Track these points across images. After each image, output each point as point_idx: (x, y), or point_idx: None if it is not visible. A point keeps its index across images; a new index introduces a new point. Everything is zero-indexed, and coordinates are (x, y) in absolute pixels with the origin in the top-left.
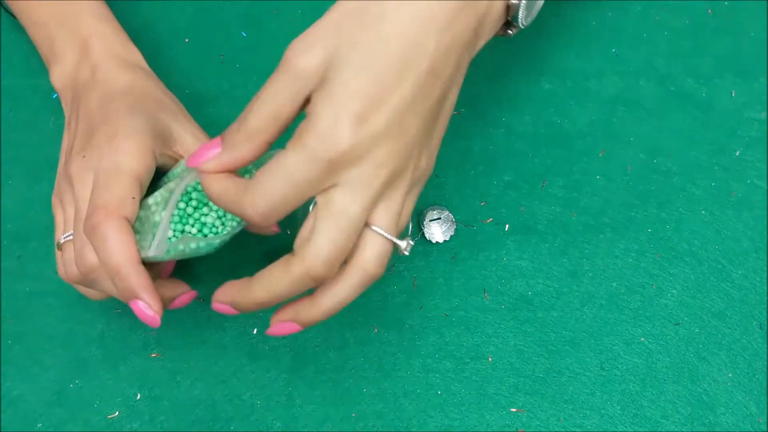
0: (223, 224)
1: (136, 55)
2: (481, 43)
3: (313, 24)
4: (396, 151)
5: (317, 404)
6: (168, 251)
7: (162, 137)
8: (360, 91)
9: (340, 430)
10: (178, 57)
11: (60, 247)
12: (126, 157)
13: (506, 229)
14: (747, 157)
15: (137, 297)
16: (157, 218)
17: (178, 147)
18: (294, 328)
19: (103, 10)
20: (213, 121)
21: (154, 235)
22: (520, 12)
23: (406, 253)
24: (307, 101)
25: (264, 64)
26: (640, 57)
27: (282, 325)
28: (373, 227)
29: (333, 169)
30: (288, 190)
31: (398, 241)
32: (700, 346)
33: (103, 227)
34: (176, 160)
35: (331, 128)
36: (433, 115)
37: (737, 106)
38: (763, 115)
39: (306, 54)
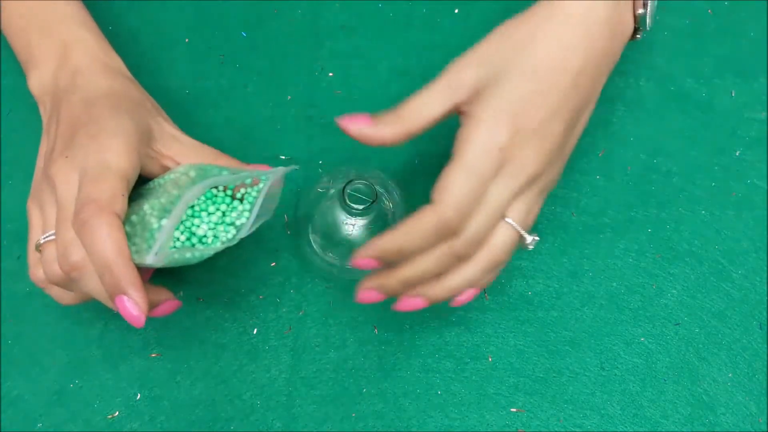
0: (215, 236)
1: (117, 61)
2: (616, 59)
3: (473, 46)
4: (541, 154)
5: (317, 404)
6: (165, 258)
7: (144, 136)
8: (515, 98)
9: (340, 430)
10: (178, 57)
11: (39, 247)
12: (113, 156)
13: None
14: (747, 157)
15: (125, 293)
16: (155, 225)
17: (159, 146)
18: (420, 303)
19: (85, 16)
20: (213, 121)
21: (147, 241)
22: (647, 19)
23: (531, 247)
24: (452, 112)
25: (264, 64)
26: (640, 57)
27: (409, 300)
28: (506, 219)
29: (500, 161)
30: (471, 184)
31: (526, 235)
32: (700, 346)
33: (94, 222)
34: (156, 161)
35: (494, 124)
36: (571, 125)
37: (737, 106)
38: (763, 115)
39: (466, 70)
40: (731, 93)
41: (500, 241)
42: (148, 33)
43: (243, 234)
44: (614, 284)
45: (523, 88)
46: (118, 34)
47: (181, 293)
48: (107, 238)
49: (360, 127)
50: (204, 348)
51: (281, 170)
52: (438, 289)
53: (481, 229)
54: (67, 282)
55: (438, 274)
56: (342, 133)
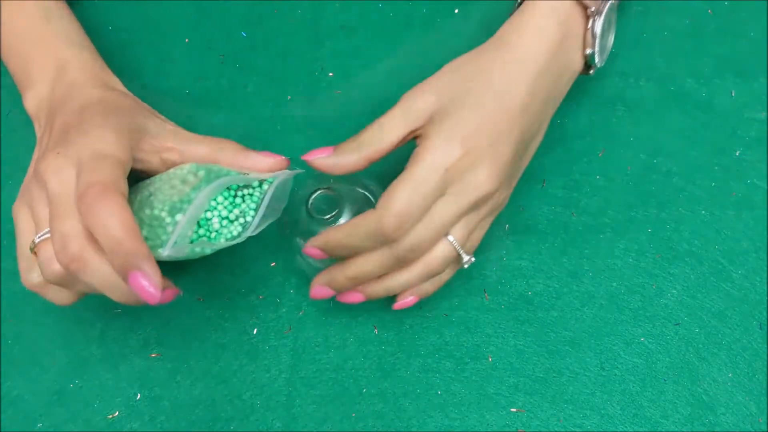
0: (218, 232)
1: (112, 78)
2: (564, 91)
3: (427, 78)
4: (491, 175)
5: (317, 404)
6: (180, 252)
7: (138, 133)
8: (466, 121)
9: (340, 430)
10: (178, 57)
11: (34, 248)
12: (106, 146)
13: (506, 229)
14: (747, 157)
15: (139, 268)
16: (168, 220)
17: (158, 139)
18: (359, 297)
19: (81, 36)
20: (213, 121)
21: (156, 230)
22: (597, 57)
23: (465, 266)
24: (409, 137)
25: (264, 64)
26: (640, 57)
27: (349, 294)
28: (448, 237)
29: (447, 180)
30: (415, 198)
31: (463, 254)
32: (700, 346)
33: (99, 202)
34: (155, 155)
35: (445, 144)
36: (519, 150)
37: (737, 106)
38: (763, 115)
39: (421, 97)
40: (731, 93)
41: (438, 252)
42: (148, 33)
43: (249, 232)
44: (614, 284)
45: (474, 113)
46: (118, 34)
47: (181, 293)
48: (115, 216)
49: (322, 158)
50: (204, 348)
51: (287, 173)
52: (377, 288)
53: (422, 239)
54: (67, 278)
55: (380, 275)
56: (342, 134)
